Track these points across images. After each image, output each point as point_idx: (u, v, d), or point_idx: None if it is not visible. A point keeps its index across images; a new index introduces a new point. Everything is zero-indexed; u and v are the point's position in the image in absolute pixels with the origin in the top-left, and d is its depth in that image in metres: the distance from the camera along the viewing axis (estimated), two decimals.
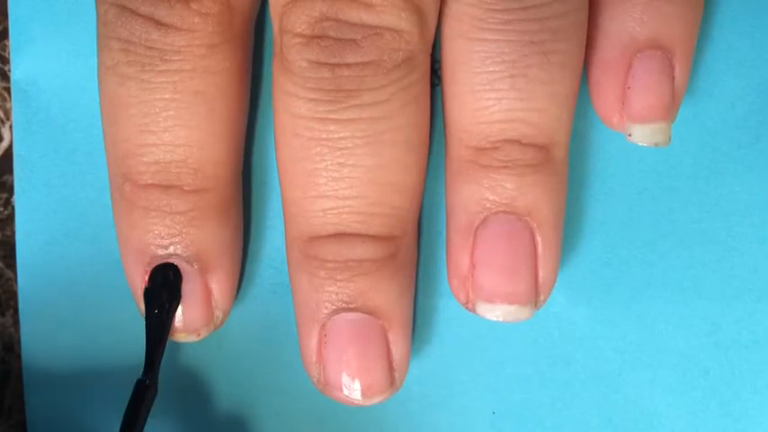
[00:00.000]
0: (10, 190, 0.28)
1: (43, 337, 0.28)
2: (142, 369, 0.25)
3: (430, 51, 0.25)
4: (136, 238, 0.25)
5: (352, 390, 0.25)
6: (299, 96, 0.24)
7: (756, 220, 0.27)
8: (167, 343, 0.26)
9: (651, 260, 0.28)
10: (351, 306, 0.25)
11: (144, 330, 0.26)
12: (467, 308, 0.26)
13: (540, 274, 0.25)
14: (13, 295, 0.28)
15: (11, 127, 0.28)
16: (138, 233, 0.25)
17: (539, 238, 0.25)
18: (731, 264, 0.27)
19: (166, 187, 0.25)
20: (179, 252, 0.25)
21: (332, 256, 0.24)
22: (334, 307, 0.25)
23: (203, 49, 0.24)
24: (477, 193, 0.25)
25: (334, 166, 0.24)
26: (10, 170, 0.28)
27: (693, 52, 0.25)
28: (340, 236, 0.24)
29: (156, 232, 0.25)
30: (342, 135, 0.24)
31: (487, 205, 0.25)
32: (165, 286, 0.25)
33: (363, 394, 0.25)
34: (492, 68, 0.24)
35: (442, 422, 0.28)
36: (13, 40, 0.28)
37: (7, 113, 0.28)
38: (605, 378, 0.28)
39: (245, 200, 0.28)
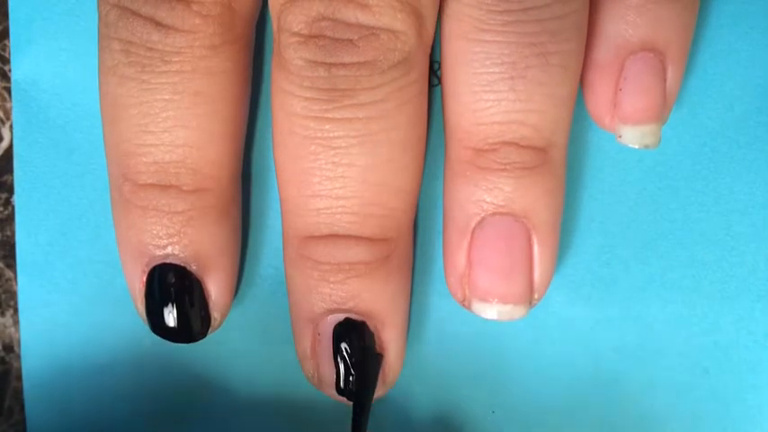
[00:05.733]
0: (10, 190, 0.28)
1: (43, 337, 0.28)
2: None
3: (428, 52, 0.25)
4: (134, 237, 0.25)
5: None
6: (295, 95, 0.24)
7: (756, 220, 0.27)
8: (166, 344, 0.26)
9: (651, 260, 0.27)
10: (343, 307, 0.25)
11: (143, 329, 0.26)
12: (463, 305, 0.26)
13: (536, 274, 0.25)
14: (13, 295, 0.28)
15: (11, 127, 0.28)
16: (136, 233, 0.25)
17: (535, 240, 0.25)
18: (731, 264, 0.27)
19: (165, 187, 0.25)
20: (177, 252, 0.25)
21: (325, 258, 0.24)
22: (327, 307, 0.25)
23: (204, 50, 0.24)
24: (474, 195, 0.25)
25: (328, 165, 0.24)
26: (10, 170, 0.28)
27: (687, 54, 0.25)
28: (334, 237, 0.24)
29: (154, 232, 0.25)
30: (336, 134, 0.24)
31: (485, 206, 0.25)
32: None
33: None
34: (491, 70, 0.24)
35: (442, 422, 0.28)
36: (13, 41, 0.28)
37: (7, 113, 0.28)
38: (605, 378, 0.28)
39: (246, 200, 0.28)
